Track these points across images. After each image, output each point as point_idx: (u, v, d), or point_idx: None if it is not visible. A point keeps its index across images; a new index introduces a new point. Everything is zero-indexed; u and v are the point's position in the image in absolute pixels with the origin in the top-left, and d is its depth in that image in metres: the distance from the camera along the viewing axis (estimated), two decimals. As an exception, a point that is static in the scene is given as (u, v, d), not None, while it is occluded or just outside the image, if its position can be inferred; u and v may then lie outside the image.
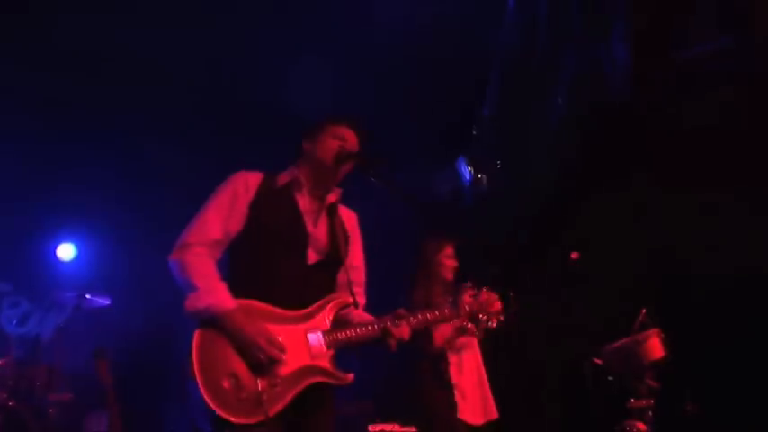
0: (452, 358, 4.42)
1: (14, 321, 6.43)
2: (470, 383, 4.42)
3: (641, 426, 4.68)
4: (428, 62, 6.51)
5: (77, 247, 7.51)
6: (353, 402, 5.84)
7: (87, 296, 5.98)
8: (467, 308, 3.35)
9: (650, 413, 4.73)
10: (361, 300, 3.13)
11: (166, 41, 6.19)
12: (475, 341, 4.52)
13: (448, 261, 4.57)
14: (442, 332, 4.33)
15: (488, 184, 7.00)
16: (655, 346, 4.83)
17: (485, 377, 4.51)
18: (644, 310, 4.97)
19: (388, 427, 5.42)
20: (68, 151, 6.90)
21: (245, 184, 2.98)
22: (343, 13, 6.33)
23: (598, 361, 5.03)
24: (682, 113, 5.10)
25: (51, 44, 6.15)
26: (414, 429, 5.39)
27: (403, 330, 2.91)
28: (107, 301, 6.18)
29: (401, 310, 2.98)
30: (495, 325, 3.52)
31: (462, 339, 4.39)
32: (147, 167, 7.03)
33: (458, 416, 4.28)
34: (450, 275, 4.55)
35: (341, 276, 3.03)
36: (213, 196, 2.98)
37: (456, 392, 4.34)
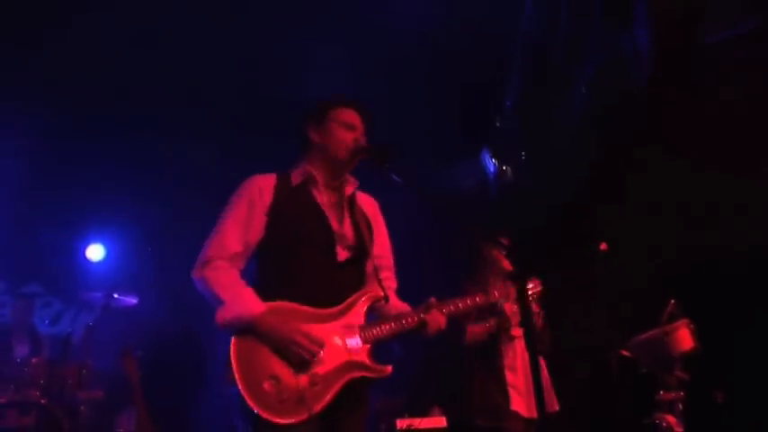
0: (505, 352, 4.39)
1: (47, 321, 6.55)
2: (522, 377, 4.35)
3: (671, 419, 4.60)
4: (450, 54, 6.46)
5: (106, 247, 7.62)
6: (382, 398, 5.85)
7: (115, 296, 6.07)
8: (496, 294, 3.32)
9: (680, 406, 4.64)
10: (393, 284, 3.12)
11: (193, 42, 6.25)
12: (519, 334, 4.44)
13: (500, 263, 4.52)
14: (473, 331, 4.32)
15: (513, 175, 6.93)
16: (684, 338, 4.73)
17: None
18: (673, 301, 4.87)
19: (416, 421, 5.43)
20: (98, 153, 7.00)
21: (259, 190, 2.93)
22: (363, 5, 6.31)
23: (626, 353, 4.94)
24: (706, 99, 4.98)
25: (78, 44, 6.22)
26: (443, 420, 5.40)
27: (439, 319, 2.90)
28: (134, 301, 6.26)
29: (432, 300, 2.96)
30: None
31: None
32: (176, 168, 7.10)
33: (511, 408, 4.24)
34: (509, 266, 4.50)
35: (368, 267, 3.00)
36: (229, 207, 2.93)
37: (509, 386, 4.30)
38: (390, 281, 3.13)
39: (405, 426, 5.40)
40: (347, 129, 2.99)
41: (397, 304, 3.03)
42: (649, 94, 5.37)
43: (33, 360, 5.65)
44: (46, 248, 7.39)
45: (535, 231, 6.28)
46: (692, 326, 4.75)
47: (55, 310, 7.48)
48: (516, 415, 4.24)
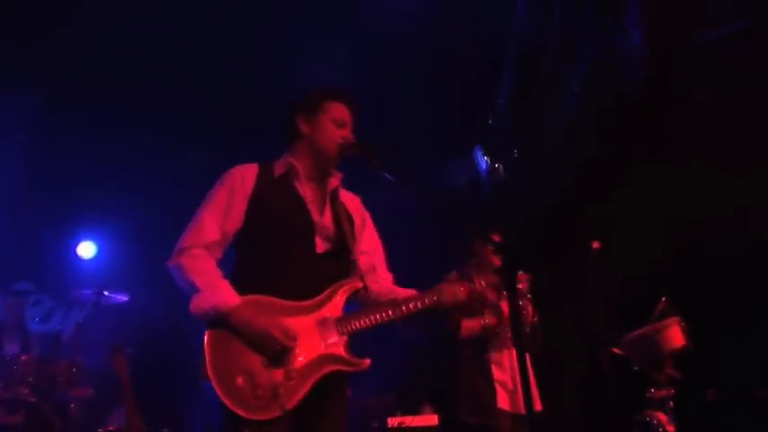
0: (492, 347, 4.39)
1: (36, 319, 6.51)
2: (509, 373, 4.36)
3: (662, 416, 4.60)
4: (443, 52, 6.46)
5: (97, 245, 7.59)
6: (374, 396, 5.84)
7: (105, 293, 6.05)
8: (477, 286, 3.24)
9: (671, 403, 4.64)
10: (388, 275, 3.11)
11: (187, 41, 6.23)
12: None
13: (489, 259, 4.51)
14: (468, 325, 4.31)
15: (506, 173, 6.92)
16: (675, 335, 4.73)
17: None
18: (664, 298, 4.88)
19: (407, 419, 5.42)
20: (90, 151, 6.97)
21: (241, 178, 2.91)
22: (356, 4, 6.30)
23: (617, 350, 4.94)
24: (699, 98, 4.99)
25: (71, 42, 6.20)
26: (435, 419, 5.39)
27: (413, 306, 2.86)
28: (125, 298, 6.25)
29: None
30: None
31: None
32: (168, 167, 7.09)
33: (498, 405, 4.24)
34: (499, 263, 4.49)
35: (362, 261, 2.98)
36: (208, 196, 2.92)
37: (495, 382, 4.31)
38: (386, 274, 3.12)
39: (396, 424, 5.39)
40: (337, 125, 2.98)
41: (400, 291, 3.01)
42: (644, 93, 5.38)
43: (23, 357, 5.62)
44: (37, 246, 7.36)
45: (527, 229, 6.29)
46: (683, 323, 4.75)
47: (45, 308, 7.42)
48: (503, 412, 4.24)
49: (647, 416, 4.63)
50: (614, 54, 5.37)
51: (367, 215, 3.18)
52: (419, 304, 2.88)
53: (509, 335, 4.31)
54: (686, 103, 5.12)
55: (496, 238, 4.43)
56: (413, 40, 6.40)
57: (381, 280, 3.09)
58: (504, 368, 4.36)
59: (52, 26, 6.12)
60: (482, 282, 3.04)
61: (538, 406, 4.34)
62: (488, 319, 4.30)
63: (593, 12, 5.61)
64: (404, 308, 2.86)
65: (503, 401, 4.27)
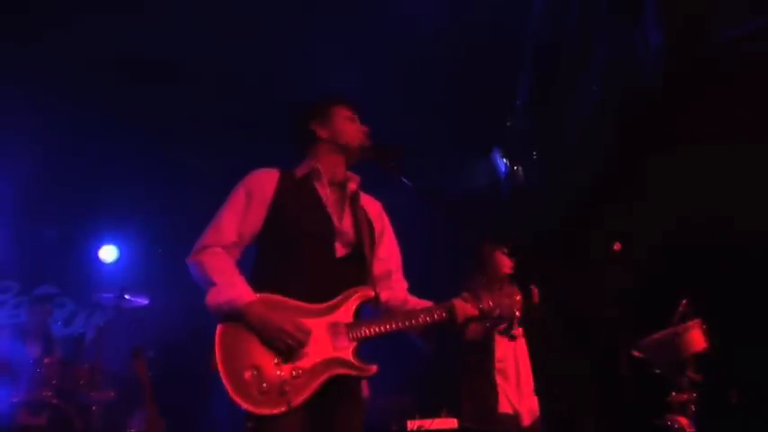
0: (497, 352, 4.38)
1: (59, 322, 6.60)
2: (513, 379, 4.36)
3: (683, 420, 4.52)
4: (459, 53, 6.44)
5: (119, 249, 7.67)
6: (392, 397, 5.83)
7: (126, 296, 6.11)
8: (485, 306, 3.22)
9: (692, 407, 4.57)
10: (404, 284, 3.13)
11: (210, 49, 6.28)
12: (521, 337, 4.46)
13: (505, 260, 4.51)
14: (473, 327, 4.26)
15: (524, 175, 6.89)
16: (696, 338, 4.65)
17: (530, 375, 4.45)
18: (685, 301, 4.80)
19: (427, 422, 5.40)
20: (113, 156, 7.06)
21: (260, 183, 2.96)
22: (373, 7, 6.31)
23: (637, 353, 4.88)
24: (716, 97, 4.93)
25: (101, 48, 6.28)
26: (454, 422, 5.37)
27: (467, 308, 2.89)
28: (146, 301, 6.30)
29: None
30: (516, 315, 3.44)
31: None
32: (189, 172, 7.15)
33: (500, 410, 4.23)
34: (510, 269, 4.48)
35: (376, 268, 3.00)
36: (229, 197, 2.96)
37: (498, 387, 4.30)
38: (401, 282, 3.13)
39: (416, 427, 5.37)
40: (352, 122, 3.06)
41: (411, 301, 3.03)
42: (663, 92, 5.32)
43: (46, 360, 5.71)
44: (60, 250, 7.46)
45: (547, 231, 6.25)
46: (704, 326, 4.68)
47: (68, 311, 7.55)
48: (505, 416, 4.24)
49: (668, 420, 4.55)
50: (632, 54, 5.32)
51: (387, 221, 3.20)
52: (428, 318, 2.90)
53: (518, 338, 4.31)
54: (704, 102, 5.06)
55: (510, 246, 4.42)
56: (430, 42, 6.39)
57: (396, 287, 3.10)
58: (508, 375, 4.35)
59: (78, 28, 6.20)
60: (490, 301, 3.00)
61: (537, 415, 4.34)
62: (489, 325, 4.29)
63: (610, 11, 5.57)
64: (413, 321, 2.87)
65: (504, 406, 4.26)
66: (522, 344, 4.50)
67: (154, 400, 5.75)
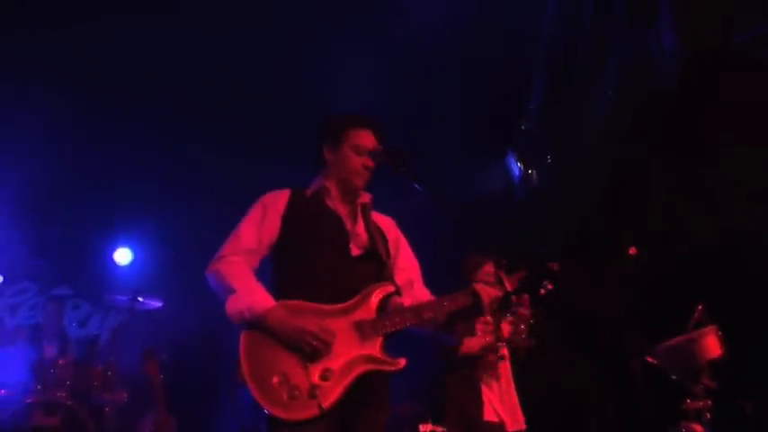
0: (485, 368, 4.44)
1: (74, 323, 6.64)
2: (497, 394, 4.43)
3: (698, 428, 4.46)
4: (473, 57, 6.41)
5: (133, 251, 7.71)
6: (406, 403, 5.81)
7: (140, 299, 6.14)
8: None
9: (708, 415, 4.51)
10: (425, 292, 3.12)
11: (227, 55, 6.30)
12: (506, 354, 4.53)
13: (487, 279, 4.49)
14: (468, 345, 4.35)
15: (538, 178, 6.84)
16: (712, 344, 4.58)
17: (513, 388, 4.53)
18: (700, 306, 4.74)
19: (438, 428, 5.38)
20: (128, 159, 7.10)
21: (273, 199, 3.03)
22: (385, 11, 6.30)
23: (652, 360, 4.82)
24: (732, 99, 4.87)
25: (115, 51, 6.32)
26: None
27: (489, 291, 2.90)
28: (159, 304, 6.33)
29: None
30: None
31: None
32: (203, 176, 7.18)
33: (484, 417, 4.28)
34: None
35: (399, 278, 3.00)
36: (246, 214, 3.02)
37: (484, 398, 4.35)
38: (423, 290, 3.14)
39: (428, 431, 5.36)
40: (359, 153, 3.05)
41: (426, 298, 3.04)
42: (678, 95, 5.27)
43: (60, 361, 5.75)
44: (75, 252, 7.52)
45: (562, 235, 6.21)
46: (719, 332, 4.62)
47: (83, 313, 7.60)
48: (490, 425, 4.29)
49: (683, 427, 4.49)
50: (647, 57, 5.27)
51: (401, 234, 3.22)
52: (453, 305, 2.90)
53: (501, 356, 4.38)
54: (719, 105, 5.00)
55: (489, 268, 4.42)
56: (443, 46, 6.36)
57: (419, 295, 3.10)
58: (493, 389, 4.41)
59: (91, 31, 6.23)
60: (510, 283, 3.01)
61: (522, 425, 4.41)
62: (488, 338, 4.32)
63: (624, 14, 5.52)
64: (437, 310, 2.88)
65: (489, 414, 4.31)
66: (505, 363, 4.55)
67: (165, 402, 5.77)
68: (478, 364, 4.39)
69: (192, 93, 6.65)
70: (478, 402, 4.29)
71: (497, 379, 4.44)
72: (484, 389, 4.37)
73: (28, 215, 6.93)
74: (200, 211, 7.02)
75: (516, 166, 7.00)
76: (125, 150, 7.08)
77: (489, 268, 4.51)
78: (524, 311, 4.24)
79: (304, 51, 6.51)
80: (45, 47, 6.20)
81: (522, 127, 6.75)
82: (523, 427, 4.40)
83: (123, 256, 7.65)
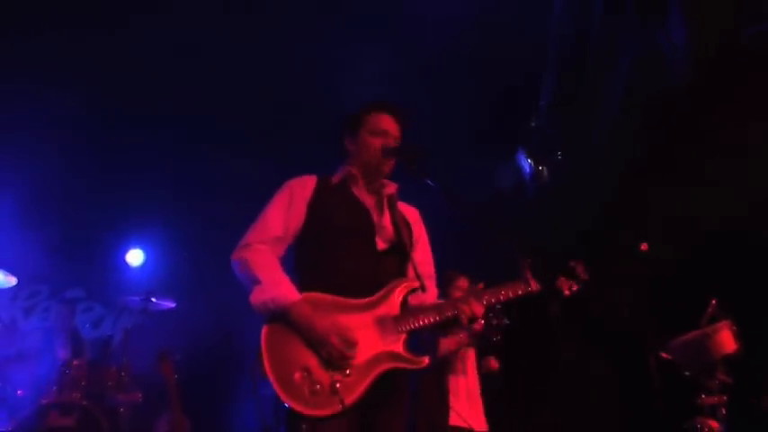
0: (454, 369, 4.54)
1: (87, 325, 6.67)
2: (463, 392, 4.52)
3: (714, 424, 4.45)
4: (483, 54, 6.41)
5: (145, 252, 7.74)
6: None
7: (153, 300, 6.16)
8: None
9: (723, 410, 4.49)
10: (434, 292, 3.10)
11: (237, 53, 6.31)
12: (473, 354, 4.64)
13: (459, 294, 4.51)
14: (446, 345, 4.39)
15: (549, 175, 6.83)
16: (726, 340, 4.56)
17: (478, 387, 4.62)
18: (714, 301, 4.72)
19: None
20: (140, 160, 7.13)
21: (300, 185, 3.00)
22: (395, 10, 6.31)
23: (666, 356, 4.80)
24: (741, 96, 4.85)
25: (129, 54, 6.35)
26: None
27: (474, 308, 2.82)
28: (172, 305, 6.35)
29: (479, 286, 2.92)
30: None
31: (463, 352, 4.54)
32: (214, 175, 7.19)
33: (449, 422, 4.35)
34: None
35: (410, 270, 2.97)
36: (272, 199, 3.00)
37: (449, 403, 4.41)
38: (432, 289, 3.11)
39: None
40: (376, 135, 3.03)
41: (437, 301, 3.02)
42: (688, 92, 5.25)
43: (75, 362, 5.76)
44: (88, 254, 7.55)
45: (573, 232, 6.19)
46: (734, 327, 4.59)
47: (96, 314, 7.63)
48: (455, 429, 4.38)
49: (697, 423, 4.47)
50: (657, 54, 5.25)
51: (423, 228, 3.20)
52: (493, 299, 2.88)
53: (471, 359, 4.52)
54: (729, 101, 4.98)
55: (463, 283, 4.50)
56: (454, 44, 6.38)
57: (428, 294, 3.06)
58: (459, 394, 4.50)
59: (113, 30, 6.27)
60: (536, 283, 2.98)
61: (483, 426, 4.52)
62: (462, 336, 4.38)
63: (634, 11, 5.51)
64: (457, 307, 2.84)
65: (455, 419, 4.39)
66: (471, 362, 4.65)
67: (179, 403, 5.78)
68: (447, 366, 4.48)
69: (205, 94, 6.68)
70: (444, 408, 4.35)
71: (464, 374, 4.51)
72: (451, 396, 4.43)
73: (40, 217, 6.96)
74: (211, 212, 7.03)
75: (527, 163, 6.98)
76: (137, 152, 7.11)
77: (462, 283, 4.56)
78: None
79: (317, 51, 6.52)
80: (65, 49, 6.27)
81: (533, 124, 6.74)
82: (485, 428, 4.51)
83: (135, 257, 7.67)
